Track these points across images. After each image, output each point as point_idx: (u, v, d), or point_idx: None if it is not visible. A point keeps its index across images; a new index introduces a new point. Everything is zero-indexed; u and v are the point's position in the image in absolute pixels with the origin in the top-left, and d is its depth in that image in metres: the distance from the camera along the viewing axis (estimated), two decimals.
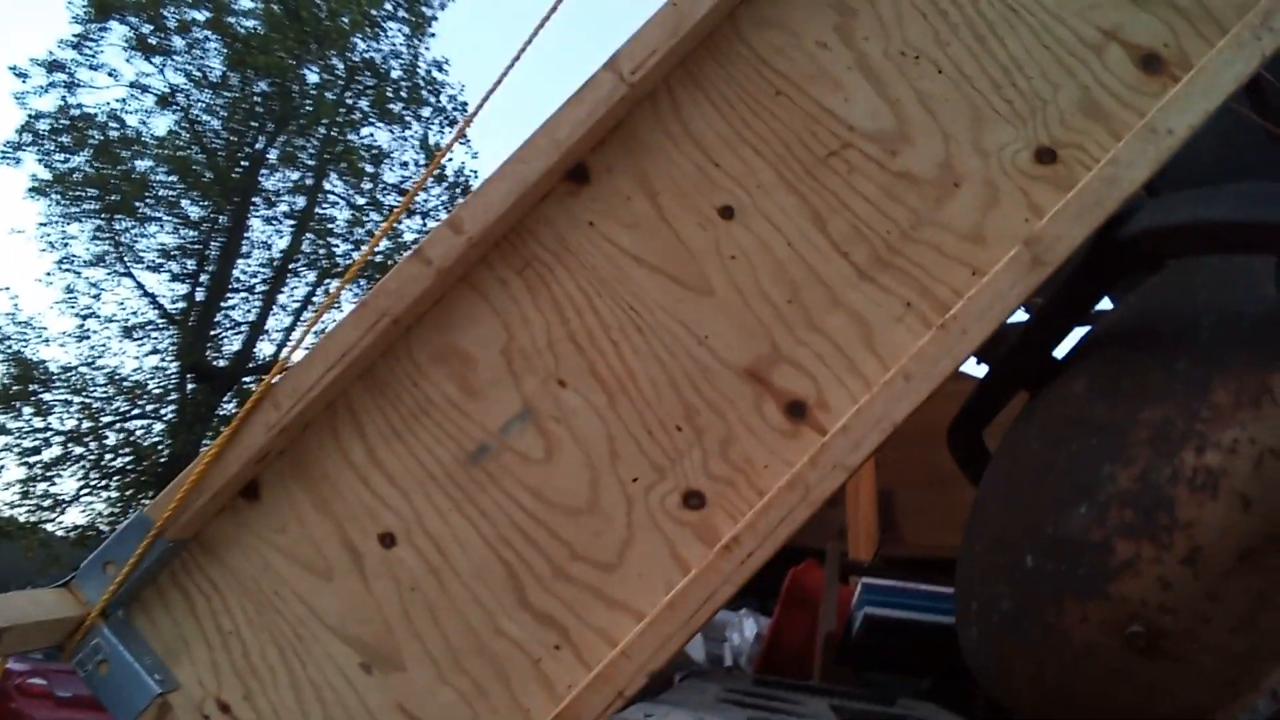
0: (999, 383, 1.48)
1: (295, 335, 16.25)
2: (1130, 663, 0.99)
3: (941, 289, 1.15)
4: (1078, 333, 1.43)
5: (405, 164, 16.78)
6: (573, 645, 1.11)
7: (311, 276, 16.93)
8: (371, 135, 16.73)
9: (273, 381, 1.17)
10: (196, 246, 16.31)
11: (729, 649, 2.45)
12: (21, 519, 14.72)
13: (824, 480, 1.09)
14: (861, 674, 2.06)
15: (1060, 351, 1.40)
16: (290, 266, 16.93)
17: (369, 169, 16.47)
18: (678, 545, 1.13)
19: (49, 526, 14.87)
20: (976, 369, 1.59)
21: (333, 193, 16.94)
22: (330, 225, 16.81)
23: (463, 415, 1.18)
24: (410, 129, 16.73)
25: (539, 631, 1.12)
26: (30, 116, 14.76)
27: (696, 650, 2.40)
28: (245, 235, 16.54)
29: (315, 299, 16.63)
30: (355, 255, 16.70)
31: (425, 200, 16.02)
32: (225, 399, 15.48)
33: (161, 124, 15.88)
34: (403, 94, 16.64)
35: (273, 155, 16.32)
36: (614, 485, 1.15)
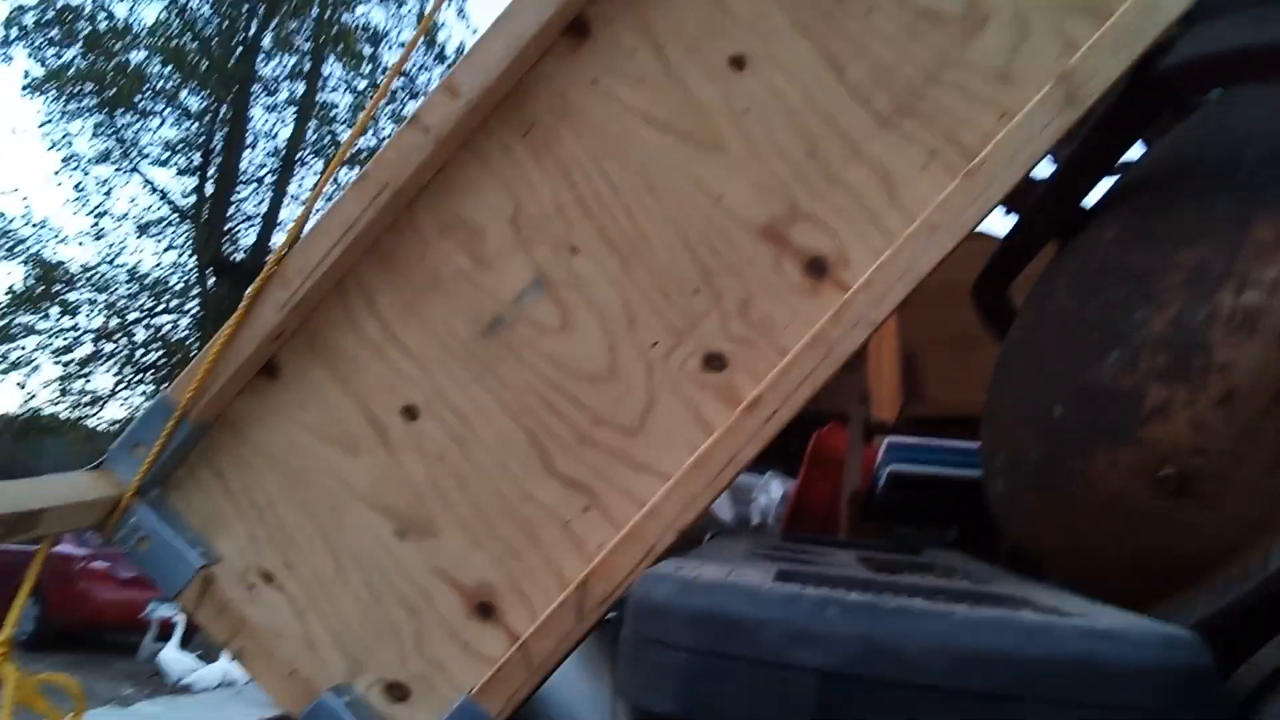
0: (1026, 234, 1.43)
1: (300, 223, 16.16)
2: (1160, 506, 0.99)
3: (968, 134, 1.09)
4: (1108, 182, 1.37)
5: (404, 44, 16.22)
6: (601, 507, 1.13)
7: (319, 165, 16.68)
8: (367, 15, 16.13)
9: (280, 259, 1.15)
10: (200, 139, 16.06)
11: (756, 509, 2.51)
12: (63, 416, 15.16)
13: (846, 337, 1.07)
14: (887, 529, 2.11)
15: (1090, 200, 1.34)
16: (296, 156, 16.67)
17: (367, 50, 15.94)
18: (700, 408, 1.12)
19: (91, 423, 15.33)
20: (1001, 226, 1.54)
21: (333, 77, 16.47)
22: (333, 112, 16.43)
23: (475, 287, 1.16)
24: (406, 4, 16.07)
25: (567, 495, 1.14)
26: (14, 9, 14.32)
27: (724, 511, 2.45)
28: (248, 125, 16.23)
29: (323, 188, 16.43)
30: (362, 142, 16.39)
31: (428, 82, 15.51)
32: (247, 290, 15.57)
33: (150, 13, 15.36)
34: None
35: (267, 40, 15.80)
36: (632, 351, 1.14)
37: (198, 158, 15.99)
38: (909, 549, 1.66)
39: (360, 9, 16.04)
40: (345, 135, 16.29)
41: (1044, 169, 1.20)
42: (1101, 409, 1.05)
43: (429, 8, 15.42)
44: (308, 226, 1.16)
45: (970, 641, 0.74)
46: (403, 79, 15.75)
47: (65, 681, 0.97)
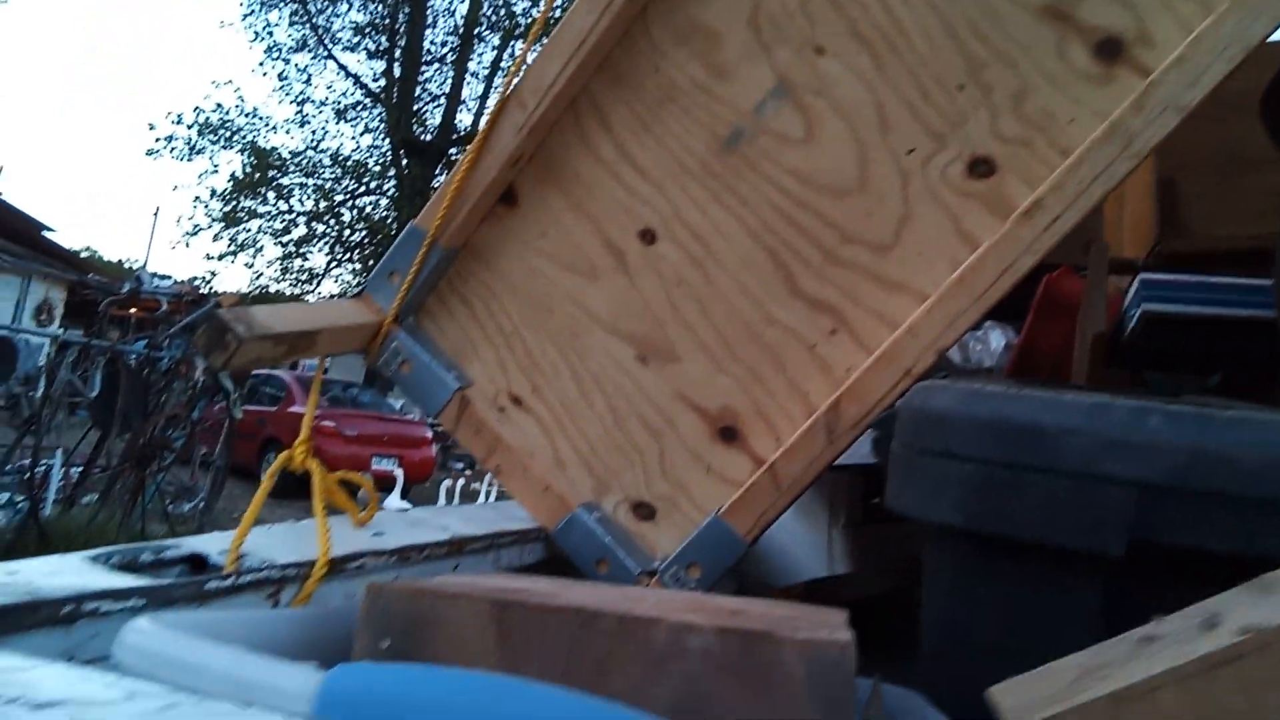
0: None
1: (489, 103, 16.48)
2: None
3: None
4: None
5: None
6: (849, 329, 1.07)
7: (495, 40, 16.78)
8: None
9: (514, 82, 1.12)
10: (385, 21, 16.50)
11: (972, 356, 2.37)
12: (286, 291, 16.68)
13: (1150, 126, 0.92)
14: (1135, 375, 1.92)
15: None
16: (475, 32, 16.82)
17: None
18: (963, 219, 1.02)
19: (309, 298, 16.79)
20: None
21: None
22: None
23: (712, 98, 1.09)
24: None
25: (812, 317, 1.08)
26: None
27: (953, 353, 2.33)
28: (427, 3, 16.47)
29: (503, 63, 16.58)
30: (535, 12, 16.25)
31: None
32: (437, 171, 16.23)
33: None
34: None
35: None
36: (886, 159, 1.04)
37: (384, 40, 16.49)
38: (1166, 394, 1.50)
39: None
40: (519, 6, 16.22)
41: None
42: None
43: None
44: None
45: None
46: None
47: (359, 480, 1.05)
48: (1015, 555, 0.73)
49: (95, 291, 8.60)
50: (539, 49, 1.13)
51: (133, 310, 7.32)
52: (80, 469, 6.54)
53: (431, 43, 16.62)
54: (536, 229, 1.17)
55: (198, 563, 0.75)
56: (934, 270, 1.03)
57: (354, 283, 16.64)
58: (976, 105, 1.01)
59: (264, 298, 16.60)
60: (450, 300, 1.21)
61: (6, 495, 6.13)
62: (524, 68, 1.12)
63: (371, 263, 16.54)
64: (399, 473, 8.45)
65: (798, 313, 1.09)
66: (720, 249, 1.11)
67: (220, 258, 16.84)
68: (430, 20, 16.50)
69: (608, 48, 1.10)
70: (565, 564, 1.15)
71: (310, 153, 16.32)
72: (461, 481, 9.17)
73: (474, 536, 1.08)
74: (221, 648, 0.42)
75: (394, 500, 8.36)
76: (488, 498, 8.23)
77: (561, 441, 1.17)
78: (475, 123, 16.42)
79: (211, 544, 0.79)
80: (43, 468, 6.19)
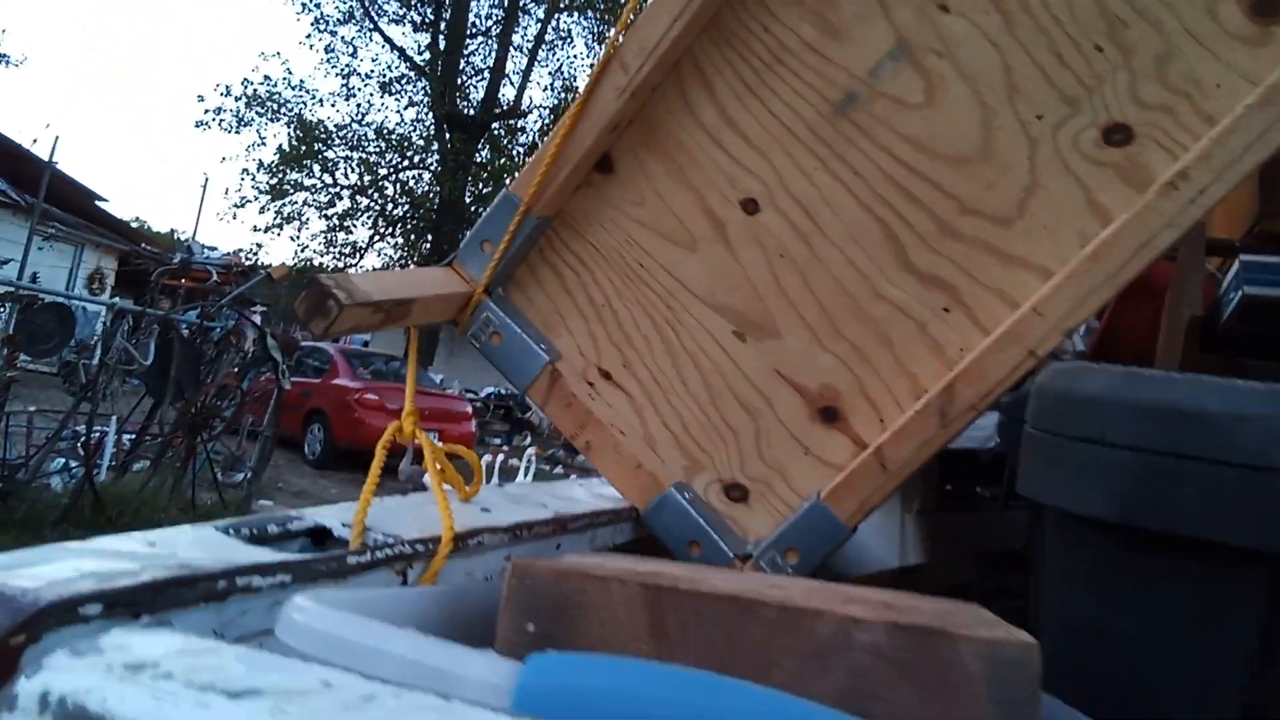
0: None
1: (532, 76, 16.42)
2: None
3: None
4: None
5: None
6: (965, 307, 1.02)
7: (540, 12, 16.68)
8: None
9: (617, 43, 1.07)
10: None
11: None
12: (329, 265, 16.84)
13: None
14: (1233, 362, 1.84)
15: None
16: (519, 5, 16.73)
17: None
18: (1095, 190, 0.96)
19: (353, 270, 16.94)
20: None
21: None
22: None
23: (824, 60, 1.04)
24: None
25: (924, 293, 1.03)
26: None
27: None
28: None
29: (547, 36, 16.49)
30: None
31: None
32: (479, 146, 16.24)
33: None
34: None
35: None
36: (1012, 125, 0.98)
37: (430, 13, 16.48)
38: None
39: None
40: None
41: None
42: None
43: None
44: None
45: None
46: None
47: (466, 453, 1.03)
48: (1173, 549, 0.68)
49: (147, 261, 8.75)
50: (643, 7, 1.08)
51: (183, 280, 7.43)
52: (133, 436, 6.67)
53: (476, 15, 16.59)
54: (633, 197, 1.13)
55: (319, 535, 0.73)
56: (1061, 245, 0.97)
57: (396, 257, 16.78)
58: (1116, 67, 0.94)
59: (310, 270, 16.79)
60: (541, 270, 1.17)
61: (62, 461, 6.27)
62: (627, 27, 1.08)
63: (414, 237, 16.63)
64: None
65: (909, 288, 1.04)
66: (827, 220, 1.06)
67: (266, 229, 17.01)
68: None
69: (715, 7, 1.05)
70: (654, 544, 1.12)
71: (355, 126, 16.42)
72: (500, 457, 9.23)
73: (576, 515, 1.05)
74: (399, 631, 0.39)
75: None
76: (526, 474, 8.24)
77: (653, 419, 1.13)
78: (519, 96, 16.39)
79: (328, 517, 0.76)
80: (97, 434, 6.32)
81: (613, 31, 1.10)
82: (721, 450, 1.11)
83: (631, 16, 1.10)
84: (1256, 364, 1.80)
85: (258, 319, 6.81)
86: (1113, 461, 0.71)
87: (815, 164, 1.06)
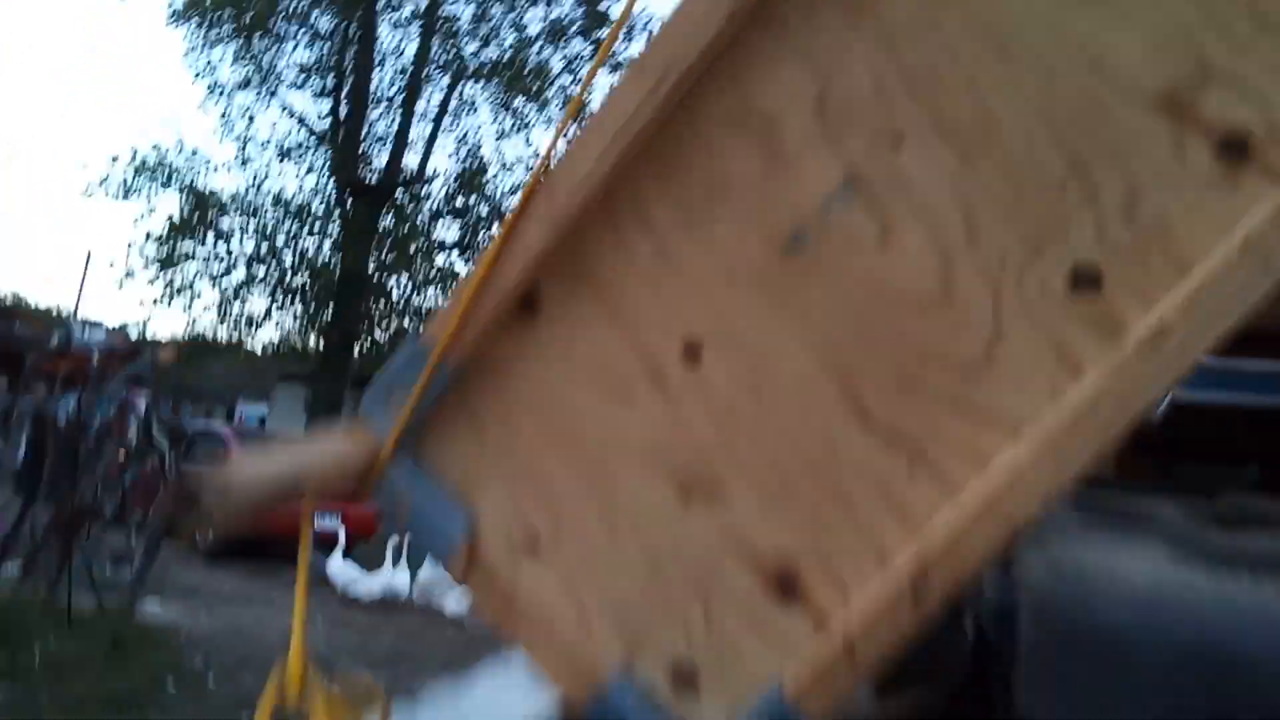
0: None
1: (437, 143, 16.32)
2: None
3: None
4: None
5: None
6: (931, 466, 0.92)
7: (445, 81, 16.65)
8: None
9: (543, 174, 0.96)
10: (332, 59, 16.27)
11: None
12: (223, 338, 16.12)
13: None
14: (1166, 467, 1.82)
15: None
16: (424, 73, 16.68)
17: None
18: (1065, 340, 0.89)
19: (249, 342, 16.26)
20: None
21: None
22: (455, 24, 16.26)
23: (770, 195, 0.95)
24: None
25: (886, 453, 0.93)
26: None
27: None
28: (375, 43, 16.30)
29: (450, 104, 16.44)
30: (485, 54, 16.20)
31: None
32: (383, 213, 15.93)
33: None
34: None
35: None
36: (973, 268, 0.90)
37: (331, 80, 16.25)
38: (1200, 491, 1.39)
39: None
40: (470, 48, 16.13)
41: None
42: None
43: None
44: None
45: None
46: None
47: (371, 690, 0.86)
48: None
49: (21, 343, 8.13)
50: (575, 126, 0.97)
51: (61, 364, 6.90)
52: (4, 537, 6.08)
53: (379, 82, 16.44)
54: (561, 341, 1.01)
55: None
56: (1032, 401, 0.89)
57: (295, 327, 16.19)
58: (1080, 207, 0.88)
59: (199, 343, 15.99)
60: (458, 424, 1.03)
61: None
62: (554, 155, 0.96)
63: (314, 306, 16.07)
64: (341, 530, 8.03)
65: (868, 446, 0.93)
66: (777, 370, 0.96)
67: (156, 302, 16.20)
68: (378, 60, 16.31)
69: (651, 135, 0.95)
70: None
71: (252, 193, 15.93)
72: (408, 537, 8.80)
73: None
74: None
75: (336, 561, 7.91)
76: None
77: (589, 595, 0.99)
78: (423, 163, 16.21)
79: None
80: None
81: (541, 156, 0.98)
82: (666, 630, 0.98)
83: (563, 139, 0.99)
84: (1186, 468, 1.79)
85: (143, 404, 6.35)
86: None
87: (764, 308, 0.96)
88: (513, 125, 16.24)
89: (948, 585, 0.87)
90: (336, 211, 16.37)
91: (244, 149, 16.12)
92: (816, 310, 0.94)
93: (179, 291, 15.60)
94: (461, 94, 16.57)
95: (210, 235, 15.90)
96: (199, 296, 15.65)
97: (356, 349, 15.68)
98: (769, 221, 0.95)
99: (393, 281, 16.28)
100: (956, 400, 0.92)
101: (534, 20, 15.62)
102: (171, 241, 15.62)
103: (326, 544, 8.07)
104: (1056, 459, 0.85)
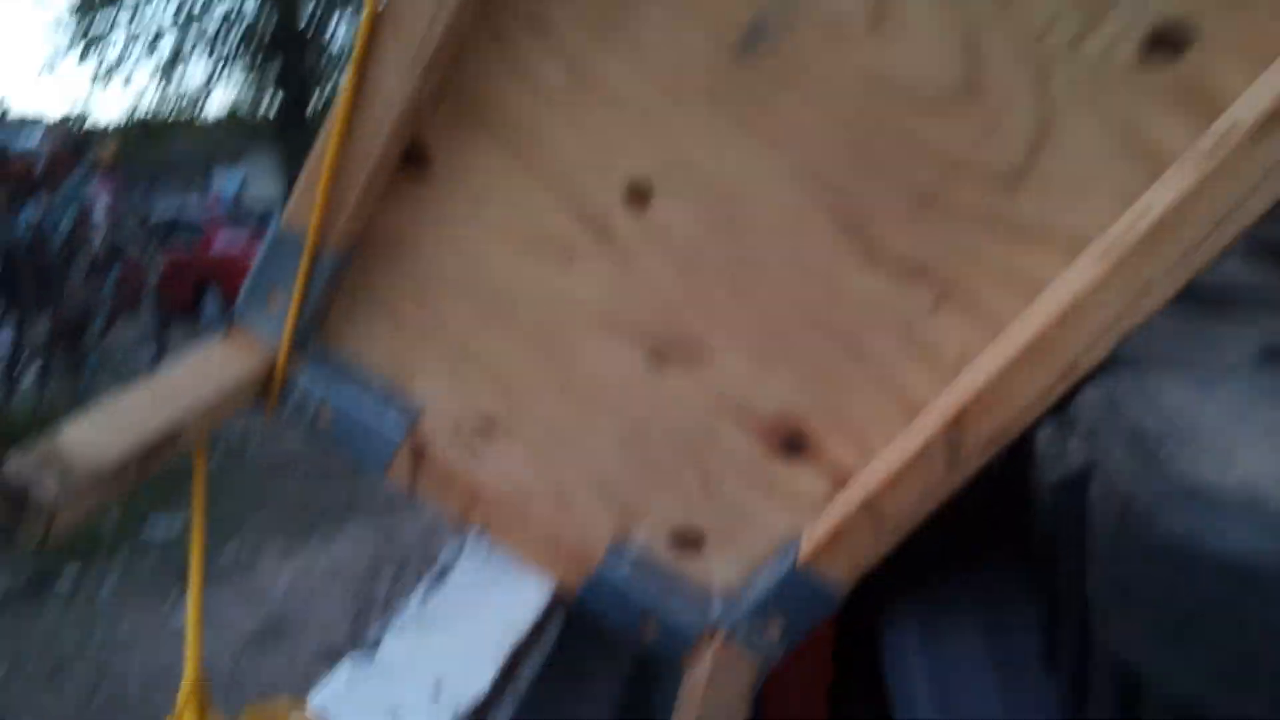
0: None
1: None
2: None
3: None
4: None
5: None
6: (960, 299, 0.73)
7: None
8: None
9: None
10: None
11: None
12: (168, 118, 15.15)
13: None
14: None
15: None
16: None
17: None
18: (1143, 123, 0.65)
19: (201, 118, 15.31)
20: None
21: None
22: None
23: None
24: None
25: (902, 289, 0.74)
26: None
27: None
28: None
29: None
30: None
31: None
32: None
33: None
34: None
35: None
36: (1006, 45, 0.66)
37: None
38: None
39: None
40: None
41: None
42: None
43: None
44: None
45: None
46: None
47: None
48: None
49: None
50: None
51: (8, 173, 6.46)
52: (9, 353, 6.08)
53: None
54: (466, 201, 0.78)
55: None
56: (1095, 210, 0.68)
57: (249, 92, 15.03)
58: None
59: (156, 125, 15.00)
60: (368, 312, 0.83)
61: None
62: None
63: (261, 60, 14.83)
64: None
65: (879, 283, 0.74)
66: (749, 205, 0.74)
67: (94, 80, 14.98)
68: None
69: None
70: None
71: None
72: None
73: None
74: None
75: None
76: None
77: (564, 472, 0.85)
78: None
79: None
80: None
81: None
82: (659, 499, 0.85)
83: None
84: None
85: (102, 205, 5.99)
86: None
87: (724, 127, 0.72)
88: None
89: (989, 439, 0.71)
90: None
91: None
92: (792, 124, 0.70)
93: (111, 71, 14.41)
94: None
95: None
96: (133, 73, 14.46)
97: (310, 108, 14.64)
98: (714, 13, 0.68)
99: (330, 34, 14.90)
100: (993, 219, 0.70)
101: None
102: (90, 14, 14.16)
103: None
104: (1128, 283, 0.65)
